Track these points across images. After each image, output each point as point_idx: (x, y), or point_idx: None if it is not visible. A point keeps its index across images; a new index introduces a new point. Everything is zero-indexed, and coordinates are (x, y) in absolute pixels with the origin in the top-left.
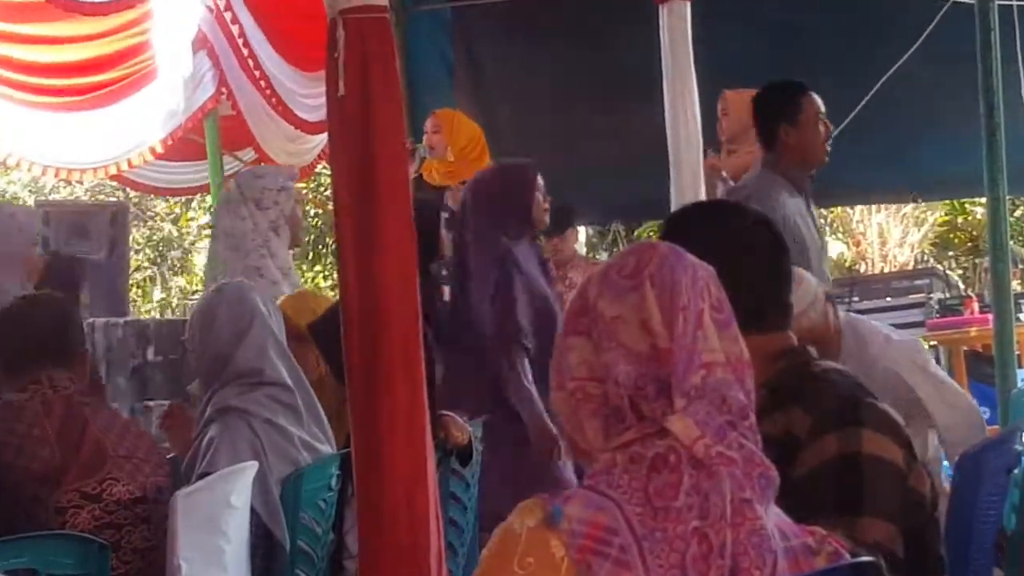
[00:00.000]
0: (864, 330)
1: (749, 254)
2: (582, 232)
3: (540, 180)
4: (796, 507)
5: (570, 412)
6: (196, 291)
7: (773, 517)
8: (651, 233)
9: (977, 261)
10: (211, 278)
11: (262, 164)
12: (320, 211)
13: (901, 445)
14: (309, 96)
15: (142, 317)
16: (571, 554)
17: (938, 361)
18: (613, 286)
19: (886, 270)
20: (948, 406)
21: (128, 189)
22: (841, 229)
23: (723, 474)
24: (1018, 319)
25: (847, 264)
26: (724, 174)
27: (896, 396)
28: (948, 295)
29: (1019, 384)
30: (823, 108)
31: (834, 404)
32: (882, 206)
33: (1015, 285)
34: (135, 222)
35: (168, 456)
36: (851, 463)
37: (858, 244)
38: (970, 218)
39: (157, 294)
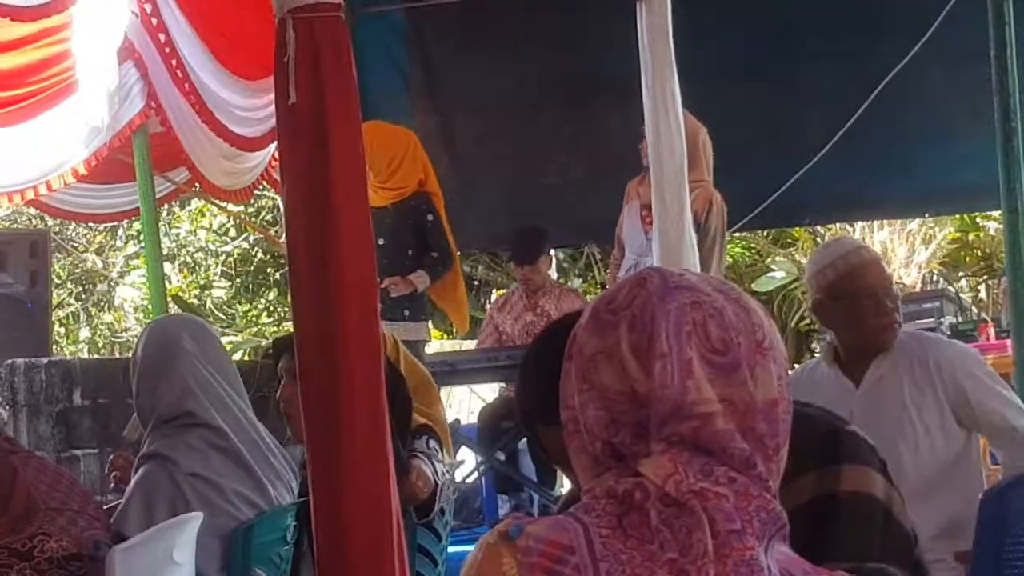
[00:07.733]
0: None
1: None
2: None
3: None
4: None
5: (567, 442)
6: (126, 329)
7: (778, 555)
8: None
9: (991, 282)
10: None
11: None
12: (260, 238)
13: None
14: (249, 109)
15: (67, 357)
16: (521, 572)
17: None
18: (596, 319)
19: None
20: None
21: (46, 216)
22: None
23: (699, 509)
24: None
25: None
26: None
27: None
28: (961, 319)
29: None
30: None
31: (814, 441)
32: (885, 222)
33: None
34: (55, 253)
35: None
36: (828, 503)
37: None
38: (982, 234)
39: (83, 332)
